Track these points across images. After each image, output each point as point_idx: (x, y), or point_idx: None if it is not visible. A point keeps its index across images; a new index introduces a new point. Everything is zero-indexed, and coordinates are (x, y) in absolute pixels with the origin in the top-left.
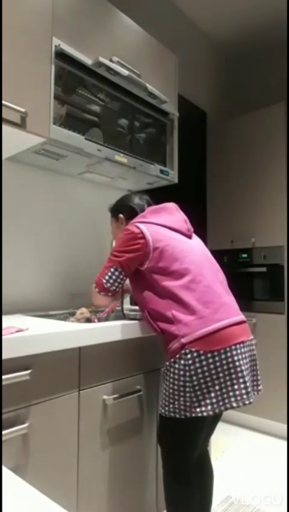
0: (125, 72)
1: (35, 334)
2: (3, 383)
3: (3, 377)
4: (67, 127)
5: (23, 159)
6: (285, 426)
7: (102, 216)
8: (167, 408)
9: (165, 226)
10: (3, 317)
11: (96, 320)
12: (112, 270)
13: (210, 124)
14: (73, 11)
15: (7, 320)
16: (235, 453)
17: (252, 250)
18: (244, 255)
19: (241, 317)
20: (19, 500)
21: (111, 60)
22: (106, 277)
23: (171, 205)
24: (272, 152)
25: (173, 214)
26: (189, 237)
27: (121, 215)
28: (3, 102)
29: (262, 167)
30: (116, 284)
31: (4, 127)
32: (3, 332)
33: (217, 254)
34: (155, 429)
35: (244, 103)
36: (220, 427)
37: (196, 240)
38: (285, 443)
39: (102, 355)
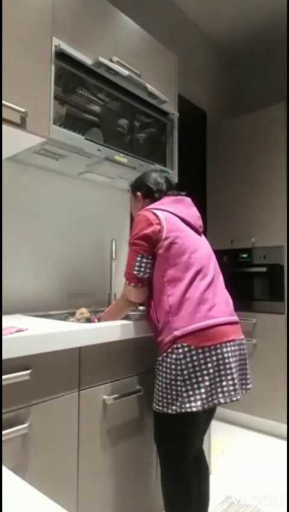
0: (125, 72)
1: (35, 333)
2: (3, 383)
3: (3, 377)
4: (67, 127)
5: (23, 159)
6: (285, 426)
7: (102, 216)
8: (160, 403)
9: (180, 218)
10: (3, 317)
11: (96, 320)
12: (138, 259)
13: (210, 124)
14: (73, 11)
15: (7, 320)
16: (235, 453)
17: (252, 250)
18: (244, 255)
19: (234, 317)
20: (19, 500)
21: (111, 60)
22: (136, 268)
23: (188, 199)
24: (272, 152)
25: (189, 208)
26: (200, 234)
27: (138, 193)
28: (3, 102)
29: (262, 167)
30: (148, 270)
31: (4, 127)
32: (3, 332)
33: (217, 254)
34: None
35: (244, 103)
36: (220, 427)
37: (204, 239)
38: (285, 443)
39: (102, 355)
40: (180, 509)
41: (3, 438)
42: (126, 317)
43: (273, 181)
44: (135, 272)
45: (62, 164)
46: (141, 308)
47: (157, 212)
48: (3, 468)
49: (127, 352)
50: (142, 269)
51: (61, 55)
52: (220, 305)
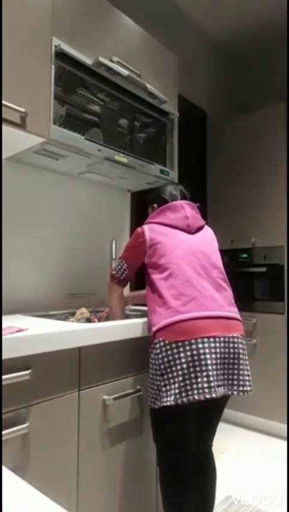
0: (125, 72)
1: (35, 333)
2: (3, 383)
3: (3, 377)
4: (67, 127)
5: (23, 159)
6: (285, 426)
7: (102, 216)
8: (149, 399)
9: (166, 224)
10: (3, 317)
11: (96, 320)
12: (119, 262)
13: (210, 124)
14: (73, 11)
15: (7, 320)
16: (235, 453)
17: (252, 250)
18: (244, 255)
19: (219, 312)
20: (19, 501)
21: (111, 60)
22: (114, 268)
23: (177, 203)
24: (272, 152)
25: (176, 212)
26: (190, 232)
27: (155, 205)
28: (3, 102)
29: (262, 167)
30: (120, 273)
31: (4, 127)
32: (3, 332)
33: None
34: None
35: (244, 103)
36: (220, 427)
37: (201, 234)
38: (285, 443)
39: (102, 355)
40: (175, 509)
41: (3, 438)
42: (126, 317)
43: (273, 181)
44: (114, 272)
45: (62, 164)
46: (144, 308)
47: (144, 226)
48: (3, 468)
49: (127, 352)
50: (117, 270)
51: (61, 55)
52: (202, 299)
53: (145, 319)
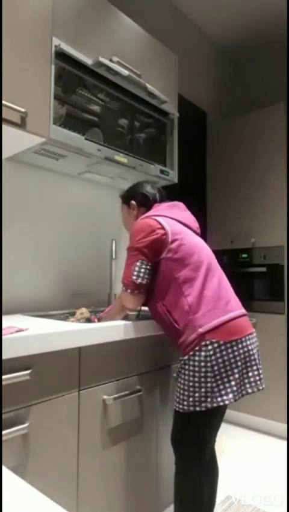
0: (125, 72)
1: (35, 333)
2: (3, 383)
3: (3, 377)
4: (67, 127)
5: (23, 159)
6: (285, 426)
7: (102, 216)
8: (186, 403)
9: (180, 221)
10: (3, 317)
11: (96, 320)
12: (138, 264)
13: (210, 124)
14: (73, 11)
15: (7, 320)
16: (235, 453)
17: (252, 250)
18: (244, 255)
19: (244, 311)
20: (19, 501)
21: (111, 60)
22: (135, 273)
23: (181, 204)
24: (272, 152)
25: (184, 211)
26: (198, 235)
27: (133, 202)
28: (3, 102)
29: (262, 167)
30: (146, 277)
31: (4, 127)
32: (3, 332)
33: (217, 254)
34: (155, 429)
35: (244, 103)
36: (220, 427)
37: (202, 240)
38: (285, 443)
39: (102, 355)
40: (192, 506)
41: (3, 438)
42: (126, 317)
43: (273, 181)
44: (134, 277)
45: (62, 164)
46: (144, 308)
47: (157, 218)
48: (3, 468)
49: (127, 352)
50: (142, 275)
51: (61, 55)
52: (233, 300)
53: (145, 320)
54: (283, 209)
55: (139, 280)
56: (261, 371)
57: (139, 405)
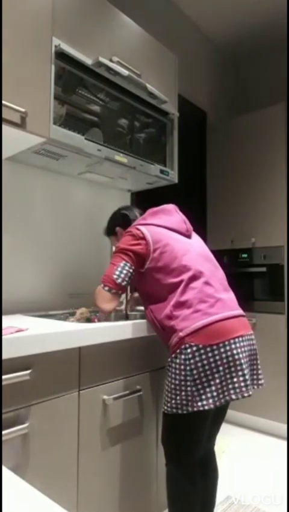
0: (125, 72)
1: (35, 333)
2: (3, 383)
3: (3, 377)
4: (67, 127)
5: (23, 159)
6: (285, 426)
7: (102, 216)
8: (169, 404)
9: (164, 227)
10: (3, 317)
11: (96, 320)
12: (121, 265)
13: (210, 124)
14: (73, 11)
15: (7, 320)
16: (235, 453)
17: (252, 250)
18: (244, 255)
19: (238, 311)
20: (19, 500)
21: (111, 60)
22: (117, 273)
23: (170, 207)
24: (272, 152)
25: (171, 215)
26: (188, 236)
27: (118, 228)
28: (3, 102)
29: (262, 167)
30: (127, 279)
31: (4, 127)
32: (3, 332)
33: (217, 254)
34: (155, 429)
35: (244, 103)
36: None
37: (196, 239)
38: (285, 443)
39: (102, 355)
40: (184, 509)
41: (3, 438)
42: (125, 317)
43: (273, 180)
44: (115, 276)
45: (62, 164)
46: (142, 308)
47: (140, 227)
48: (3, 468)
49: (127, 352)
50: (123, 276)
51: (61, 55)
52: (223, 300)
53: (145, 320)
54: (283, 209)
55: (119, 281)
56: (247, 377)
57: (139, 405)
